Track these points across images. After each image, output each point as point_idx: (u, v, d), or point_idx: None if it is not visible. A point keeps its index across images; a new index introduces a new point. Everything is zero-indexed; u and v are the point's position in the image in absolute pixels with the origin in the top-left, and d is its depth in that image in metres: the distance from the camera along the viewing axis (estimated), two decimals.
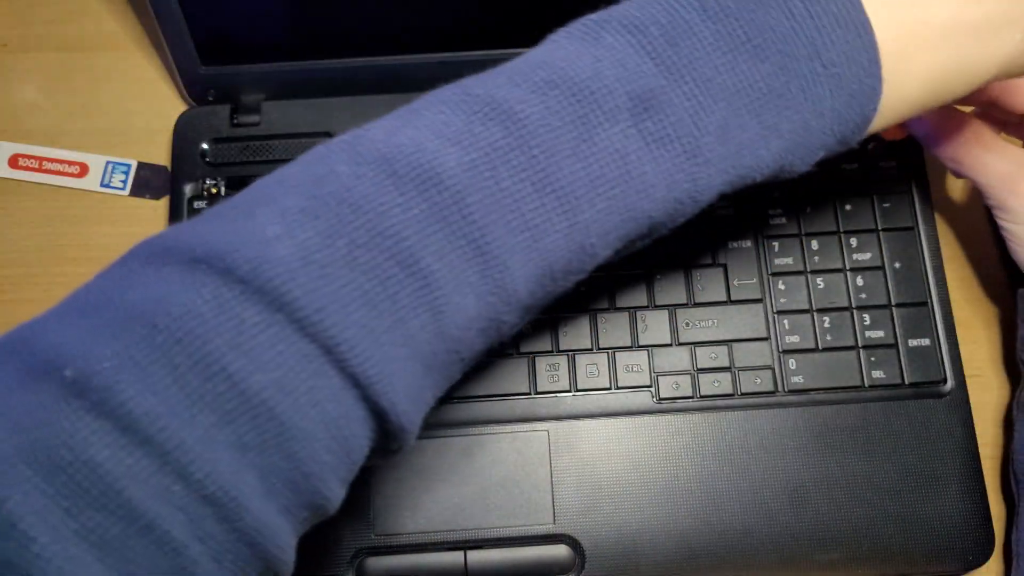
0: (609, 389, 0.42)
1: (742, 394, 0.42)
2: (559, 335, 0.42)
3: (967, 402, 0.42)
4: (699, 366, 0.42)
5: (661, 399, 0.42)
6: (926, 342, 0.42)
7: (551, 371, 0.42)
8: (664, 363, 0.42)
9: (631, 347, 0.42)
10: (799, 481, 0.40)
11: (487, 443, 0.41)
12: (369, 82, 0.46)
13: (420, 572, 0.39)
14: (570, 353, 0.42)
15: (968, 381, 0.42)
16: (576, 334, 0.42)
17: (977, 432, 0.41)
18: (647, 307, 0.43)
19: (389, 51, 0.45)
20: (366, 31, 0.45)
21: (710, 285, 0.43)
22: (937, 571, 0.40)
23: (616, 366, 0.42)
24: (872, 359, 0.42)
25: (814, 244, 0.44)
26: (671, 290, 0.43)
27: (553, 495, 0.40)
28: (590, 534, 0.40)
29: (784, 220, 0.44)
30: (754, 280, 0.43)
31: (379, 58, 0.46)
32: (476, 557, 0.40)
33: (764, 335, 0.42)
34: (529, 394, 0.42)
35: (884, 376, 0.42)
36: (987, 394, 0.44)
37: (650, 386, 0.42)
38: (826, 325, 0.42)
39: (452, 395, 0.42)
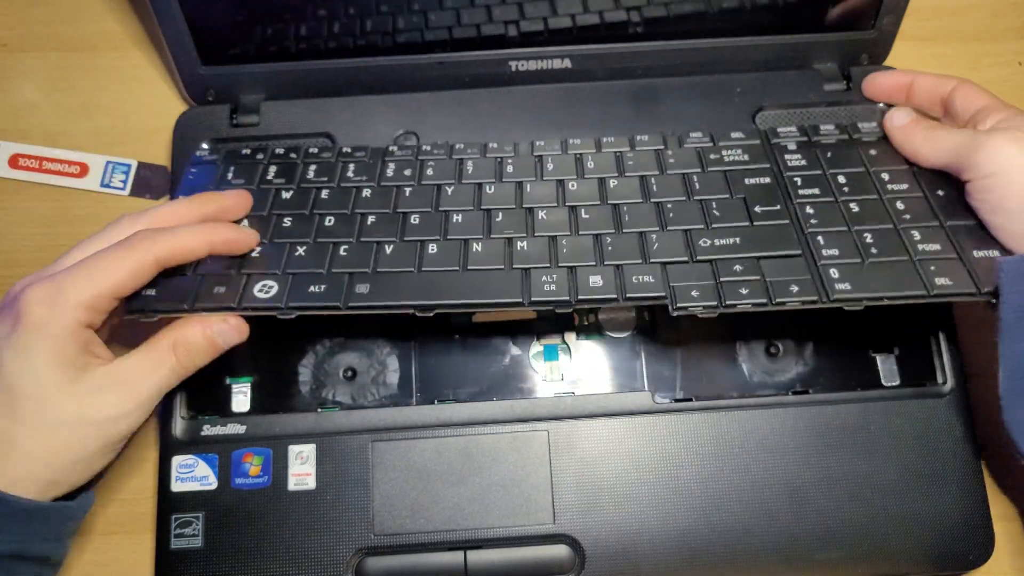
0: (609, 389, 0.42)
1: (742, 395, 0.42)
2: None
3: (967, 402, 0.42)
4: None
5: (661, 399, 0.42)
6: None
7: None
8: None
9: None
10: (799, 481, 0.40)
11: (487, 443, 0.41)
12: (369, 82, 0.46)
13: (420, 572, 0.39)
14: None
15: (968, 381, 0.42)
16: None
17: (977, 432, 0.41)
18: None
19: (389, 51, 0.45)
20: (366, 31, 0.45)
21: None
22: (937, 571, 0.40)
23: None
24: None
25: None
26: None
27: (553, 495, 0.40)
28: (590, 534, 0.40)
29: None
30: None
31: (379, 58, 0.46)
32: (476, 557, 0.40)
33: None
34: (529, 394, 0.42)
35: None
36: (987, 394, 0.44)
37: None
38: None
39: (452, 395, 0.42)
